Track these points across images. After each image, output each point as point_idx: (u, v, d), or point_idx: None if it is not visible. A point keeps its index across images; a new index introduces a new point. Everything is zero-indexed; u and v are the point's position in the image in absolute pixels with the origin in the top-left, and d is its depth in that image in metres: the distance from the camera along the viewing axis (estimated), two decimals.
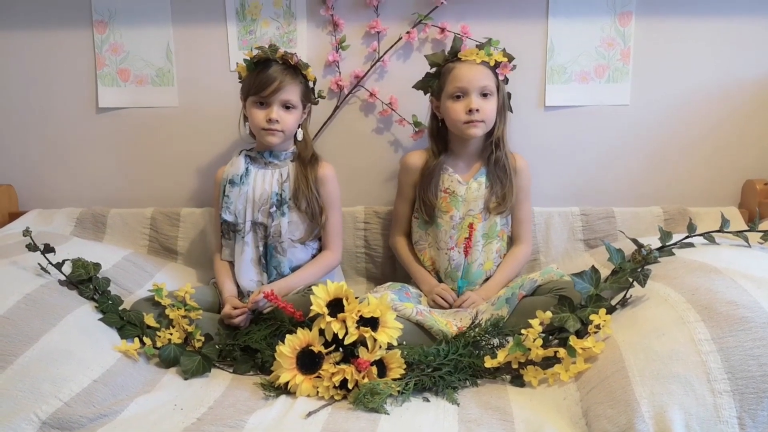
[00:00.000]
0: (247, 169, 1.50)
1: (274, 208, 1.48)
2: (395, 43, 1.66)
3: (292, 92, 1.45)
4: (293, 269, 1.51)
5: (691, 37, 1.63)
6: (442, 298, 1.46)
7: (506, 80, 1.53)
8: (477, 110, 1.43)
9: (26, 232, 1.32)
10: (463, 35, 1.60)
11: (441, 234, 1.52)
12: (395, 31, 1.66)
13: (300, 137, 1.52)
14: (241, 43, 1.68)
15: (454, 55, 1.50)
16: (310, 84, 1.53)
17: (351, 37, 1.67)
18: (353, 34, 1.67)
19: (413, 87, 1.57)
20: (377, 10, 1.64)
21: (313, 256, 1.54)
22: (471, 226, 1.47)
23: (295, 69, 1.47)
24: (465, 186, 1.51)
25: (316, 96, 1.59)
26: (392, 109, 1.68)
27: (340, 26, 1.66)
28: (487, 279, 1.53)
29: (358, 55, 1.68)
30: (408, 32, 1.64)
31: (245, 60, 1.49)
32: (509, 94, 1.55)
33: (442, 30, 1.63)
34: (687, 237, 1.32)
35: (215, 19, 1.69)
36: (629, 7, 1.63)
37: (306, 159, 1.51)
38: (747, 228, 1.34)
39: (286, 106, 1.45)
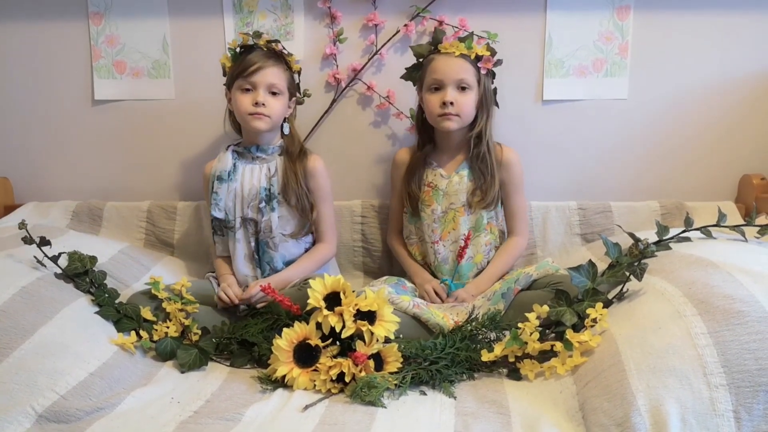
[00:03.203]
0: (234, 164, 1.49)
1: (263, 204, 1.47)
2: (393, 36, 1.65)
3: (277, 76, 1.44)
4: (287, 264, 1.51)
5: (689, 31, 1.63)
6: (429, 296, 1.46)
7: (492, 74, 1.52)
8: (451, 103, 1.43)
9: (22, 225, 1.31)
10: (460, 28, 1.60)
11: (425, 227, 1.53)
12: (393, 24, 1.65)
13: (287, 131, 1.51)
14: (237, 36, 1.67)
15: (435, 47, 1.49)
16: (295, 76, 1.53)
17: (348, 30, 1.66)
18: (351, 26, 1.66)
19: (401, 77, 1.57)
20: (375, 2, 1.63)
21: (307, 250, 1.54)
22: (468, 237, 1.47)
23: (279, 56, 1.47)
24: (447, 180, 1.51)
25: (302, 94, 1.58)
26: (390, 103, 1.68)
27: (337, 19, 1.65)
28: (478, 273, 1.53)
29: (355, 48, 1.68)
30: (406, 25, 1.63)
31: (229, 49, 1.49)
32: (495, 89, 1.54)
33: (440, 23, 1.62)
34: (684, 231, 1.32)
35: (212, 11, 1.68)
36: (627, 2, 1.62)
37: (294, 154, 1.50)
38: (744, 222, 1.34)
39: (273, 92, 1.44)
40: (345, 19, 1.65)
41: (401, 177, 1.57)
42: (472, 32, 1.50)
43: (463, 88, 1.45)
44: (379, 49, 1.66)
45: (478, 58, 1.47)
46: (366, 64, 1.67)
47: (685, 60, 1.65)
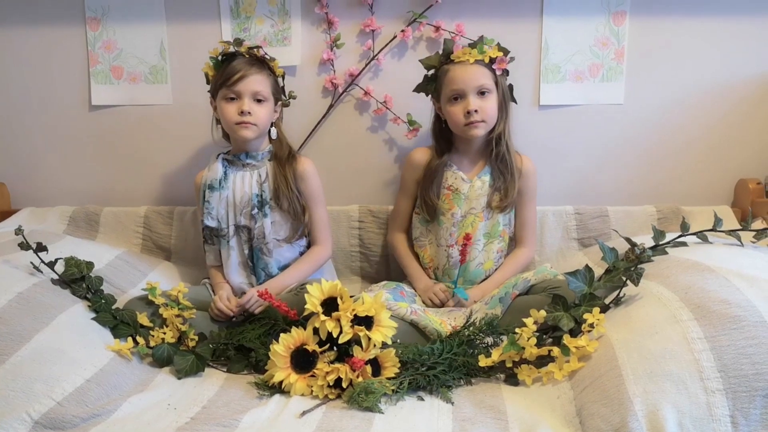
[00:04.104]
0: (225, 172, 1.49)
1: (256, 210, 1.46)
2: (390, 42, 1.66)
3: (261, 83, 1.44)
4: (281, 269, 1.50)
5: (685, 36, 1.64)
6: (437, 298, 1.46)
7: (506, 72, 1.52)
8: (476, 111, 1.43)
9: (18, 231, 1.31)
10: (457, 34, 1.60)
11: (442, 231, 1.52)
12: (390, 29, 1.65)
13: (274, 136, 1.51)
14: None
15: (447, 57, 1.49)
16: (279, 80, 1.52)
17: (346, 35, 1.67)
18: (348, 32, 1.67)
19: (414, 90, 1.56)
20: (372, 8, 1.64)
21: (301, 254, 1.53)
22: (468, 237, 1.45)
23: (262, 62, 1.47)
24: (469, 184, 1.51)
25: (287, 97, 1.58)
26: (387, 108, 1.68)
27: (334, 24, 1.65)
28: (486, 279, 1.53)
29: (352, 54, 1.68)
30: (403, 31, 1.64)
31: (211, 58, 1.48)
32: (511, 86, 1.54)
33: (437, 28, 1.62)
34: (680, 236, 1.32)
35: (209, 17, 1.68)
36: (623, 7, 1.63)
37: (283, 158, 1.49)
38: (740, 227, 1.35)
39: (257, 99, 1.44)
40: (342, 24, 1.66)
41: (416, 178, 1.56)
42: (482, 36, 1.49)
43: (483, 93, 1.45)
44: (377, 55, 1.66)
45: (492, 60, 1.47)
46: (363, 69, 1.67)
47: (681, 65, 1.65)
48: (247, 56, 1.46)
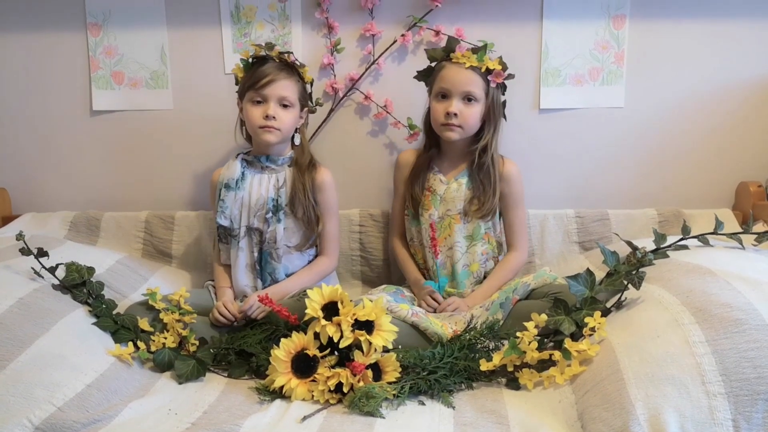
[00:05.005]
0: (243, 173, 1.49)
1: (270, 214, 1.46)
2: (390, 46, 1.66)
3: (288, 89, 1.44)
4: (288, 276, 1.50)
5: (685, 40, 1.64)
6: (427, 304, 1.46)
7: (503, 87, 1.51)
8: (455, 114, 1.43)
9: (20, 236, 1.31)
10: (457, 38, 1.60)
11: (423, 231, 1.53)
12: (390, 33, 1.66)
13: (297, 142, 1.51)
14: (235, 46, 1.68)
15: (448, 54, 1.50)
16: (307, 86, 1.52)
17: (346, 40, 1.67)
18: (348, 36, 1.67)
19: (413, 77, 1.56)
20: (372, 12, 1.64)
21: (310, 263, 1.53)
22: (432, 226, 1.45)
23: (291, 68, 1.47)
24: (445, 185, 1.51)
25: (314, 103, 1.58)
26: (387, 112, 1.68)
27: (335, 29, 1.66)
28: (476, 281, 1.53)
29: (353, 58, 1.68)
30: (403, 35, 1.64)
31: (241, 59, 1.49)
32: (504, 102, 1.53)
33: (437, 33, 1.63)
34: (681, 239, 1.32)
35: (210, 22, 1.68)
36: (623, 10, 1.63)
37: (303, 165, 1.49)
38: (741, 230, 1.35)
39: (284, 105, 1.44)
40: (342, 29, 1.66)
41: (404, 178, 1.57)
42: (486, 44, 1.48)
43: (470, 100, 1.45)
44: (377, 59, 1.67)
45: (489, 71, 1.46)
46: (363, 73, 1.68)
47: (681, 68, 1.66)
48: (277, 61, 1.46)
